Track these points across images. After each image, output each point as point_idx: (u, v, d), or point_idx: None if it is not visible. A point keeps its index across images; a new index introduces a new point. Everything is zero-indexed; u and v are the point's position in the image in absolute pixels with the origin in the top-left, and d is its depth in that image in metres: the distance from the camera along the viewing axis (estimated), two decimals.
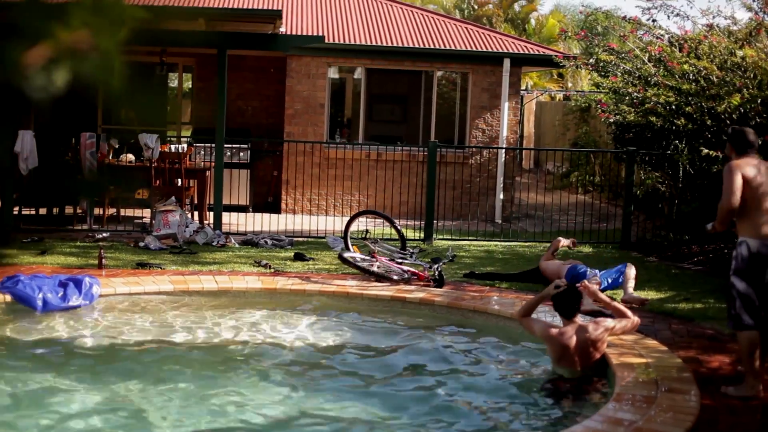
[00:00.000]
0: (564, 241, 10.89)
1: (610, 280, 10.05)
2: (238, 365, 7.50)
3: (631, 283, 9.75)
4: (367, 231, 11.87)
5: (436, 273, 10.27)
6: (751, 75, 11.94)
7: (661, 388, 6.47)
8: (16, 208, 13.65)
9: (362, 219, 12.70)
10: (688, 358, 7.43)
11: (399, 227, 11.99)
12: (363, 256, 10.77)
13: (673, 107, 12.63)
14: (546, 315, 8.34)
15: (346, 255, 10.75)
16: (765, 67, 11.75)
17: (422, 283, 10.32)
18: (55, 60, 2.09)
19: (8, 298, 8.76)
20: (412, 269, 10.61)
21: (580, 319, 7.50)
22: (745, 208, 6.62)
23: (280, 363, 7.56)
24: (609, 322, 7.55)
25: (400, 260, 10.92)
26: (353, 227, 12.02)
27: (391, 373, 7.42)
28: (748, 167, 6.66)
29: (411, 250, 11.29)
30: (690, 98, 12.38)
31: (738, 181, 6.55)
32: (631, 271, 9.88)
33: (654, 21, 13.94)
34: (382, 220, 12.84)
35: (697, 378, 6.81)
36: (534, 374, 7.59)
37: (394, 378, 7.31)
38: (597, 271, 10.18)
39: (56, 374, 7.04)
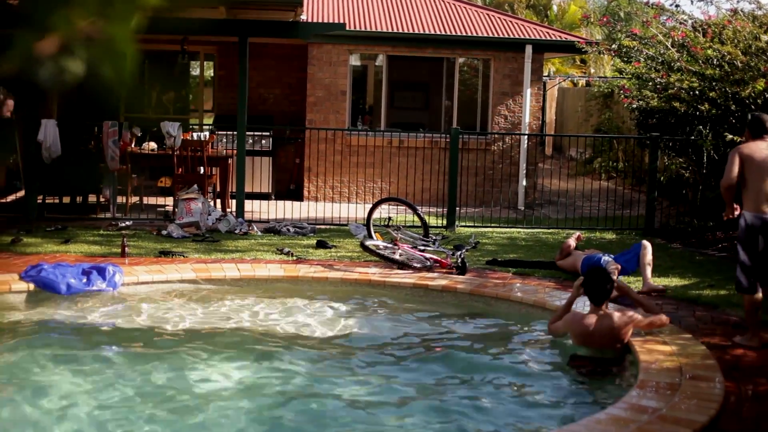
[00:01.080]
0: (571, 242, 10.63)
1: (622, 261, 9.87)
2: (261, 351, 7.51)
3: (649, 270, 9.63)
4: (389, 218, 11.86)
5: (459, 260, 10.25)
6: None
7: (685, 375, 6.43)
8: (40, 197, 13.73)
9: (385, 206, 12.69)
10: (713, 345, 7.39)
11: (422, 214, 11.98)
12: (385, 244, 10.77)
13: (697, 92, 12.53)
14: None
15: (368, 243, 10.75)
16: None
17: (445, 271, 10.31)
18: (67, 50, 2.07)
19: (32, 286, 8.81)
20: (434, 256, 10.59)
21: (608, 306, 7.46)
22: (746, 186, 7.48)
23: (305, 349, 7.59)
24: (635, 315, 7.49)
25: (422, 247, 10.91)
26: (376, 214, 12.02)
27: (412, 357, 7.42)
28: (750, 149, 7.48)
29: (434, 237, 11.27)
30: (714, 83, 12.28)
31: (733, 163, 7.41)
32: (647, 254, 9.74)
33: (677, 6, 13.85)
34: (404, 208, 12.84)
35: (721, 365, 6.77)
36: (557, 361, 7.56)
37: (415, 362, 7.30)
38: (612, 257, 10.00)
39: (77, 360, 7.08)
